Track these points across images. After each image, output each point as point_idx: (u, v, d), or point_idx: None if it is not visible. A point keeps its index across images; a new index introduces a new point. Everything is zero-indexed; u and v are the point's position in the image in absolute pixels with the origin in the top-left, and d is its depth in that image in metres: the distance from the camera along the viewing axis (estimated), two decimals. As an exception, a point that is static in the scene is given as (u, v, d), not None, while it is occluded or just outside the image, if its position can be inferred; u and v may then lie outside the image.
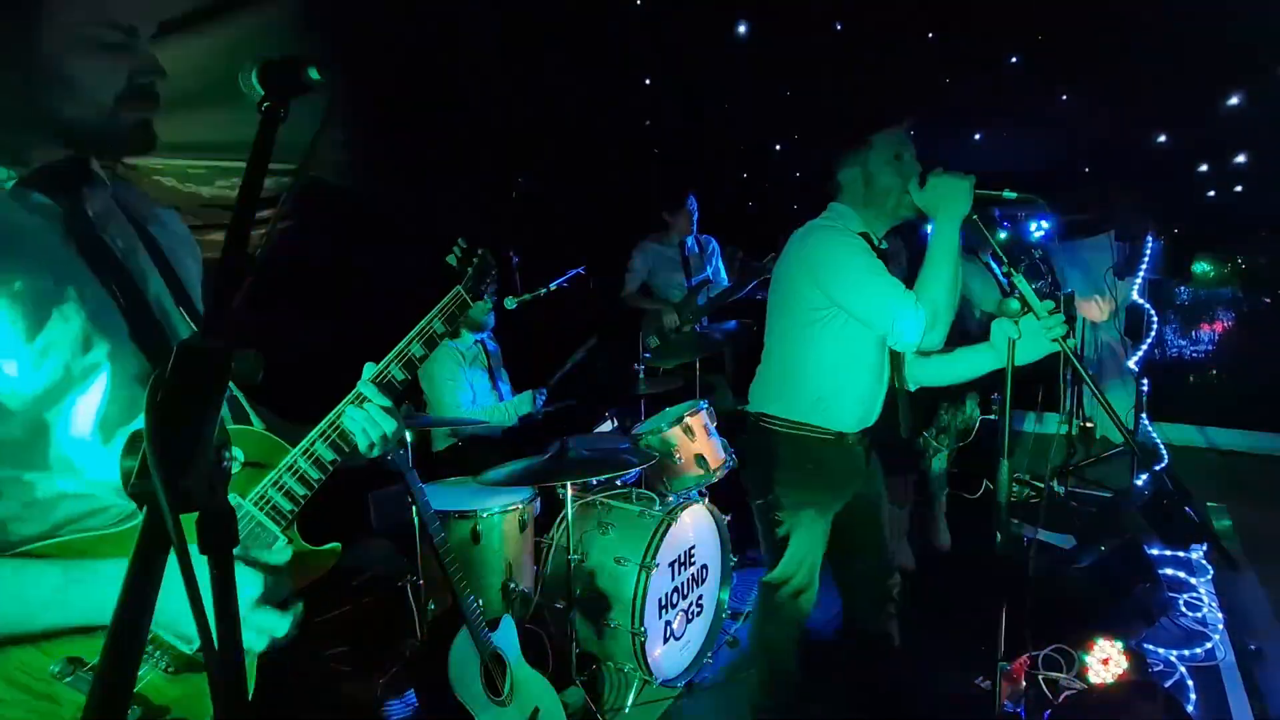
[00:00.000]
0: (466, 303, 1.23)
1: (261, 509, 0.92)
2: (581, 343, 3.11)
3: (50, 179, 0.87)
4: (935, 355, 1.88)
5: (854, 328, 1.83)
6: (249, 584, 0.82)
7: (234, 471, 0.88)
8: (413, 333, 1.11)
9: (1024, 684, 2.18)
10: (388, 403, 1.04)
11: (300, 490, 0.94)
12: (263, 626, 0.83)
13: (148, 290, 0.93)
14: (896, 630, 2.11)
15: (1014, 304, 1.55)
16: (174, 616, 0.80)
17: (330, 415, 0.99)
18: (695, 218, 4.04)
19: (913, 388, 1.99)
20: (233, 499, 0.90)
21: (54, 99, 0.81)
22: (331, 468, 0.97)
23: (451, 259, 1.26)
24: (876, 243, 1.90)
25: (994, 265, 3.45)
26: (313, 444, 0.96)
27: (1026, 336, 1.57)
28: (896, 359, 1.96)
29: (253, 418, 1.02)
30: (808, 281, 1.84)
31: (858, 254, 1.77)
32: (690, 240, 4.11)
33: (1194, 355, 5.59)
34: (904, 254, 2.74)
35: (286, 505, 0.93)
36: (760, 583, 2.07)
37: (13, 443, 0.82)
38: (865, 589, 2.09)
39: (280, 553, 0.89)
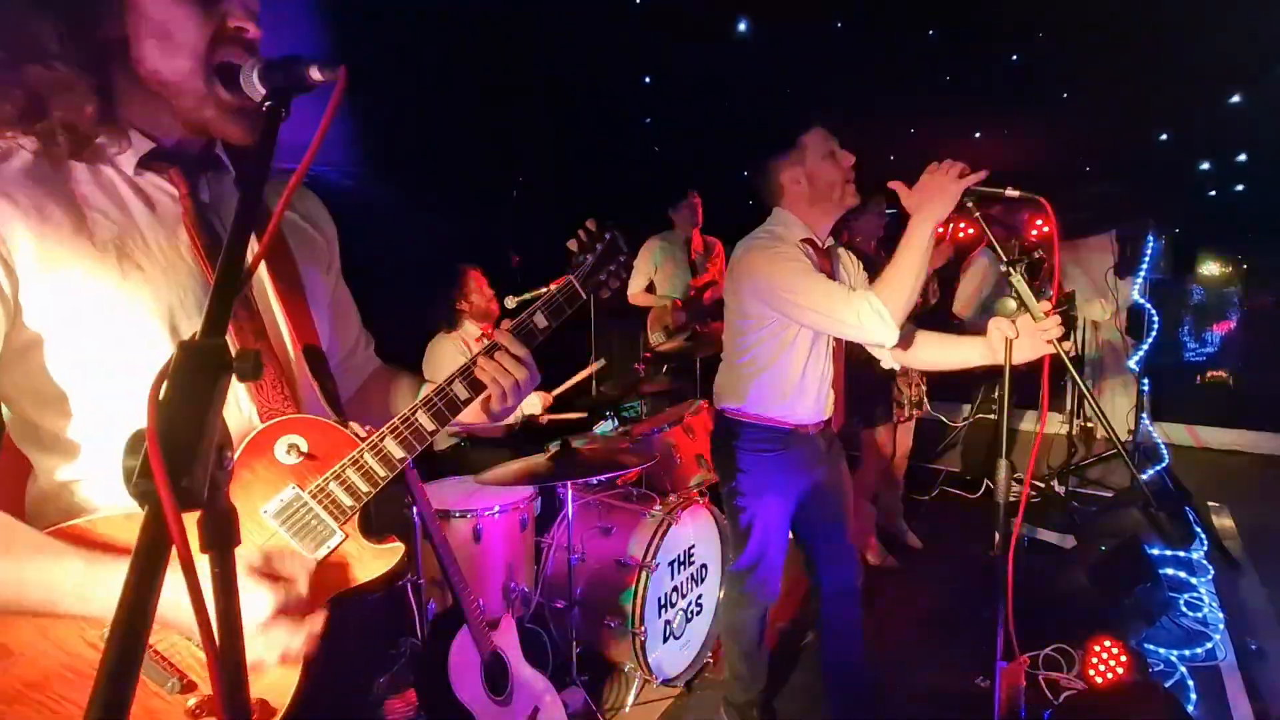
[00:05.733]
0: (577, 294, 1.12)
1: (320, 502, 0.89)
2: (587, 356, 3.10)
3: (168, 160, 0.88)
4: (930, 339, 1.90)
5: (792, 332, 1.93)
6: (260, 601, 0.79)
7: (294, 462, 0.88)
8: (511, 325, 1.07)
9: (1024, 684, 2.18)
10: (523, 351, 1.03)
11: (364, 487, 0.91)
12: (273, 641, 0.80)
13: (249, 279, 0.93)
14: (859, 625, 2.16)
15: (1010, 303, 1.52)
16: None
17: (404, 413, 0.96)
18: (699, 213, 4.04)
19: (896, 365, 2.02)
20: (289, 490, 0.88)
21: (156, 56, 0.81)
22: (401, 465, 0.94)
23: (573, 242, 1.14)
24: (820, 244, 1.98)
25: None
26: (382, 439, 0.93)
27: (1023, 337, 1.56)
28: (851, 348, 2.06)
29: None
30: (750, 297, 1.95)
31: (794, 267, 1.84)
32: (696, 239, 4.11)
33: (1197, 356, 5.59)
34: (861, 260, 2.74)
35: (347, 501, 0.90)
36: (728, 572, 2.17)
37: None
38: (830, 577, 2.15)
39: (303, 562, 0.87)
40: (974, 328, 3.42)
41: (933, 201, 1.61)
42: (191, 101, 0.84)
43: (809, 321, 1.86)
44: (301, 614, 0.83)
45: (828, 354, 2.03)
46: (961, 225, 4.29)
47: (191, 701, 0.84)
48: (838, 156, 1.92)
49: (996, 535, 1.48)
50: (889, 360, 2.02)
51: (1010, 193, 1.53)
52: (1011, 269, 1.50)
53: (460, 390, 1.00)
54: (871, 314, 1.70)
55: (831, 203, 1.95)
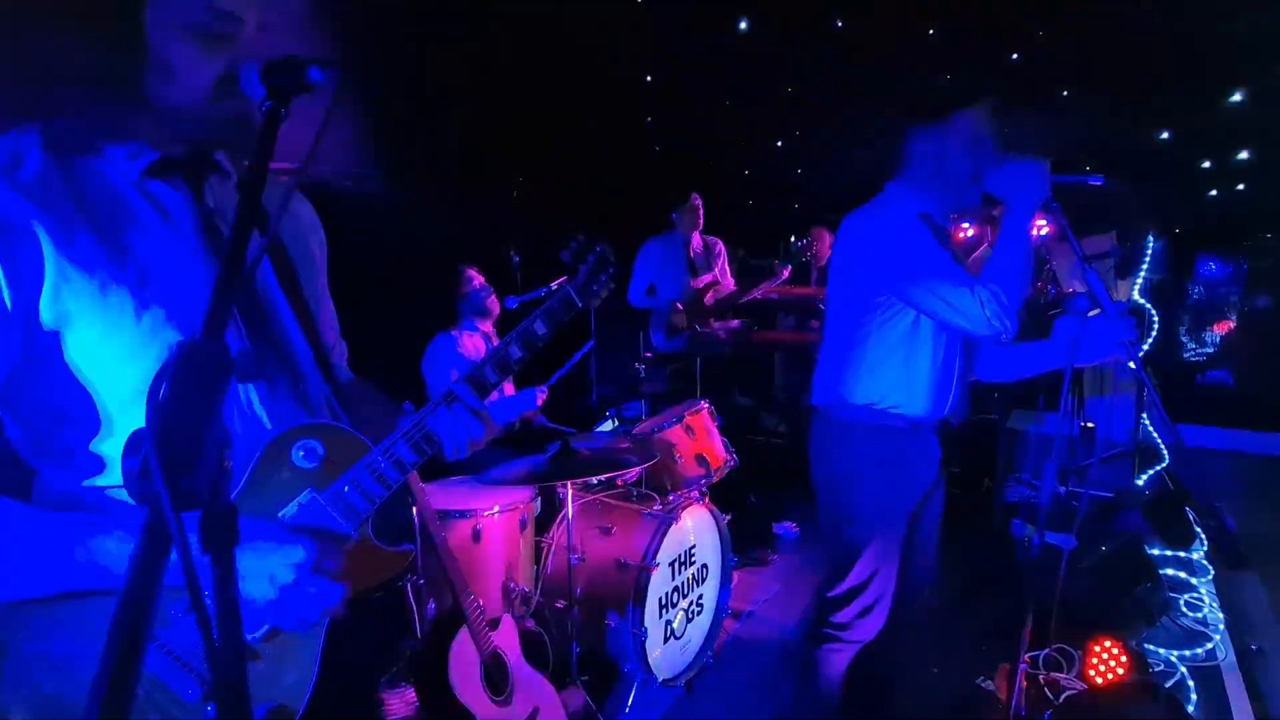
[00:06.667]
0: (573, 304, 1.15)
1: (336, 506, 0.91)
2: (581, 343, 3.10)
3: (173, 169, 0.89)
4: (1003, 350, 1.80)
5: (916, 315, 1.73)
6: (297, 550, 0.80)
7: (311, 467, 0.89)
8: (512, 334, 1.07)
9: (1024, 683, 2.18)
10: (479, 405, 1.01)
11: (378, 490, 0.93)
12: (317, 591, 0.82)
13: (254, 280, 0.95)
14: (906, 639, 2.03)
15: (1084, 300, 1.48)
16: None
17: (416, 416, 0.97)
18: (701, 215, 4.03)
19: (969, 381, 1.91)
20: (307, 495, 0.90)
21: (156, 84, 0.82)
22: (412, 469, 0.95)
23: (566, 254, 1.18)
24: (940, 220, 1.77)
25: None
26: (394, 444, 0.95)
27: (1092, 336, 1.49)
28: (970, 347, 1.84)
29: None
30: (864, 271, 1.74)
31: (916, 241, 1.65)
32: (696, 240, 4.10)
33: (1196, 356, 5.59)
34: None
35: (362, 504, 0.92)
36: (823, 599, 1.89)
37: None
38: (904, 586, 1.93)
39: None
40: None
41: (1028, 186, 1.54)
42: (200, 126, 0.86)
43: (928, 307, 1.65)
44: (337, 568, 0.84)
45: (959, 340, 1.79)
46: (964, 225, 4.28)
47: (212, 708, 0.84)
48: (980, 149, 1.67)
49: (1035, 538, 1.46)
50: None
51: (1094, 181, 1.45)
52: (1088, 266, 1.44)
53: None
54: (995, 304, 1.55)
55: (950, 194, 1.73)
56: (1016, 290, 1.57)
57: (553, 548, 2.53)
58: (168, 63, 0.82)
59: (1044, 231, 4.25)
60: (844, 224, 1.82)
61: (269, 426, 0.92)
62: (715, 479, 2.78)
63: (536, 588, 2.49)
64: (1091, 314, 1.48)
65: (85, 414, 0.84)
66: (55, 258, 0.79)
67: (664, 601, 2.45)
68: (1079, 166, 1.51)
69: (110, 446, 0.86)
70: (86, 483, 0.87)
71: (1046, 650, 2.57)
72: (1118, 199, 1.43)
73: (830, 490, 1.88)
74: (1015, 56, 3.58)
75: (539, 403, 3.03)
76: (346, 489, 0.91)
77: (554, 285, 3.27)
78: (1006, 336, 1.59)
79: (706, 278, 4.05)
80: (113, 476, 0.87)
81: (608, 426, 3.17)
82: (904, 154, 1.77)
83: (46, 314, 0.80)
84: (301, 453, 0.90)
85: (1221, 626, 2.83)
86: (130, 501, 0.84)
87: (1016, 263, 1.58)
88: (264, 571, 0.78)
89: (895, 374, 1.76)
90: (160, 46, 0.81)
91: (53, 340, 0.81)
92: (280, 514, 0.88)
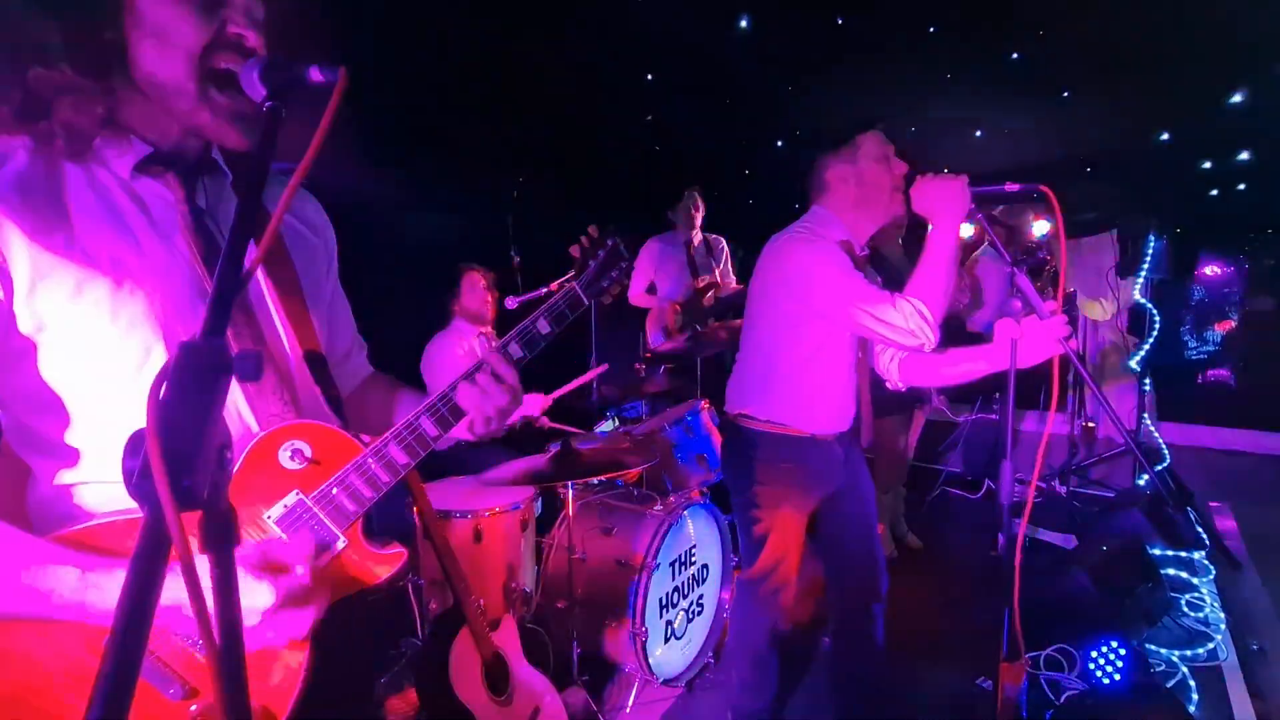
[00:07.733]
0: (579, 300, 1.12)
1: (323, 508, 0.89)
2: (588, 360, 3.10)
3: (165, 165, 0.87)
4: (933, 356, 1.86)
5: (826, 335, 1.87)
6: (264, 594, 0.78)
7: (298, 468, 0.87)
8: (514, 331, 1.05)
9: (1024, 684, 2.17)
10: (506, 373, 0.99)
11: (368, 492, 0.91)
12: (280, 627, 0.80)
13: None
14: (879, 632, 2.11)
15: (1019, 302, 1.53)
16: None
17: (409, 417, 0.95)
18: (699, 213, 4.01)
19: (902, 386, 2.01)
20: (293, 496, 0.88)
21: (147, 55, 0.81)
22: (405, 470, 0.93)
23: (576, 249, 1.15)
24: (858, 250, 1.93)
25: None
26: (386, 445, 0.93)
27: (1030, 338, 1.55)
28: (867, 367, 2.00)
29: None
30: (783, 293, 1.88)
31: (836, 265, 1.79)
32: (698, 238, 4.09)
33: (1198, 355, 5.58)
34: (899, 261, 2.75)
35: (350, 506, 0.90)
36: (739, 580, 2.14)
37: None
38: (851, 586, 2.09)
39: (299, 549, 0.85)
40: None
41: (950, 203, 1.63)
42: (187, 104, 0.83)
43: (855, 322, 1.76)
44: (306, 599, 0.82)
45: (855, 361, 1.96)
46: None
47: (194, 707, 0.83)
48: (890, 163, 1.85)
49: (1001, 536, 1.48)
50: (896, 379, 2.00)
51: (1010, 187, 1.54)
52: (1016, 270, 1.50)
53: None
54: (918, 317, 1.66)
55: (877, 209, 1.88)
56: (939, 303, 1.68)
57: (553, 548, 2.53)
58: (162, 31, 0.80)
59: (1043, 232, 4.25)
60: (769, 245, 1.94)
61: (255, 428, 0.91)
62: (715, 479, 2.78)
63: (537, 588, 2.49)
64: (1025, 315, 1.54)
65: (60, 406, 0.83)
66: (31, 256, 0.78)
67: (664, 601, 2.45)
68: (995, 177, 1.59)
69: (78, 439, 0.85)
70: (61, 478, 0.86)
71: (1047, 650, 2.57)
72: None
73: (738, 490, 2.06)
74: (1016, 56, 3.58)
75: (540, 410, 3.02)
76: (335, 490, 0.89)
77: (553, 286, 3.27)
78: (929, 347, 1.71)
79: (707, 277, 4.04)
80: (84, 470, 0.86)
81: (608, 426, 3.16)
82: (824, 181, 1.93)
83: (23, 311, 0.79)
84: (288, 453, 0.88)
85: (1223, 626, 2.83)
86: (94, 505, 0.85)
87: (939, 277, 1.68)
88: None
89: (800, 391, 1.93)
90: (152, 13, 0.79)
91: (29, 336, 0.80)
92: (265, 516, 0.87)
